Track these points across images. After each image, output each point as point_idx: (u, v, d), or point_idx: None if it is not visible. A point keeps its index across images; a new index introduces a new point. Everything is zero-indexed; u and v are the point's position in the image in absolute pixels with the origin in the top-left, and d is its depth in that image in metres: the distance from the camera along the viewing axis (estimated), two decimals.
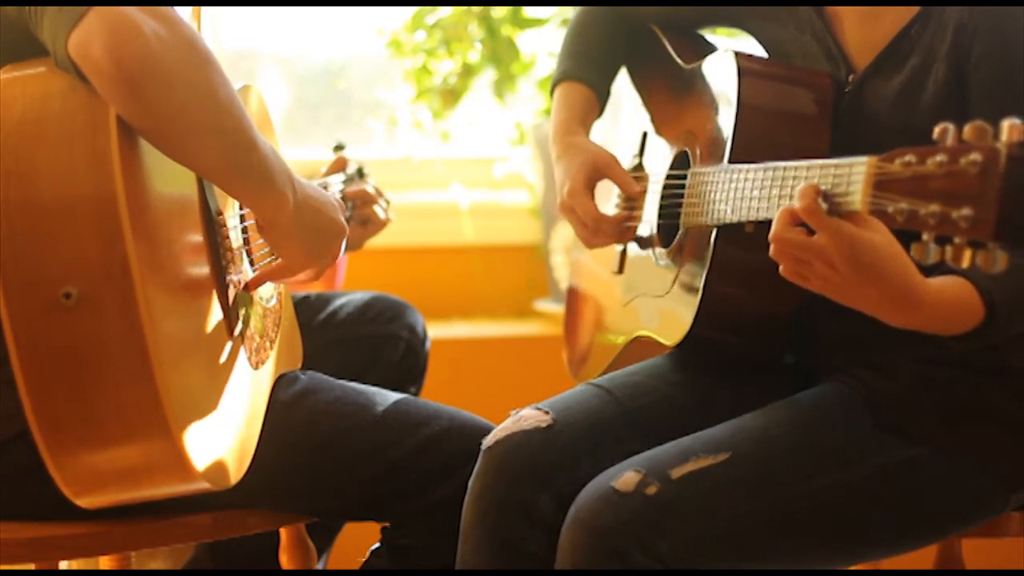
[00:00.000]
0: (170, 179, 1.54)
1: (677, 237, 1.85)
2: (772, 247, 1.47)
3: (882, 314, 1.49)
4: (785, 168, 1.55)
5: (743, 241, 1.69)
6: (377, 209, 2.17)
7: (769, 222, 1.59)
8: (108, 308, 1.42)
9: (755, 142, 1.72)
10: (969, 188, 1.28)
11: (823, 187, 1.44)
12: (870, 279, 1.45)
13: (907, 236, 1.36)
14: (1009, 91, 1.62)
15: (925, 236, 1.32)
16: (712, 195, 1.73)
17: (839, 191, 1.43)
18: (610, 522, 1.55)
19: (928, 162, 1.32)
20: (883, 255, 1.44)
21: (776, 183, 1.57)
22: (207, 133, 1.49)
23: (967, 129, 1.30)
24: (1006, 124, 1.28)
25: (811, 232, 1.45)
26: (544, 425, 1.69)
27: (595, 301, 2.19)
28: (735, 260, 1.71)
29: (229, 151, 1.52)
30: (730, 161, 1.72)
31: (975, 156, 1.28)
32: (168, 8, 1.46)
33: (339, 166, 2.22)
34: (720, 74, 1.82)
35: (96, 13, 1.42)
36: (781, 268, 1.49)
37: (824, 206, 1.44)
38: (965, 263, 1.29)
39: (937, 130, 1.32)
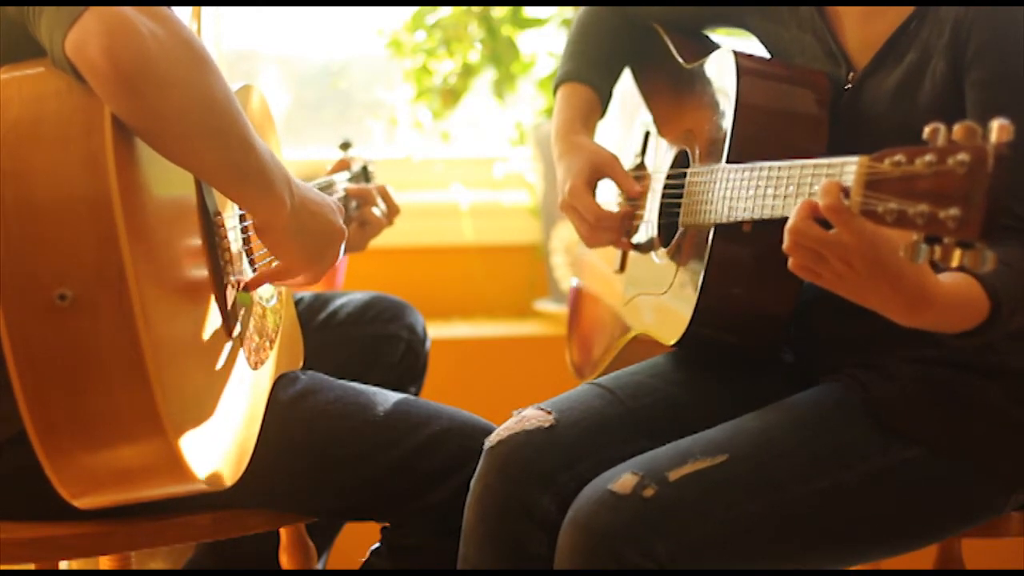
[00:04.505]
0: (167, 180, 1.54)
1: (676, 236, 1.85)
2: (787, 239, 1.45)
3: (892, 312, 1.48)
4: (780, 168, 1.55)
5: (740, 240, 1.69)
6: (375, 211, 2.17)
7: (765, 221, 1.59)
8: (103, 310, 1.42)
9: (753, 141, 1.72)
10: (956, 188, 1.28)
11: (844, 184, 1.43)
12: (888, 278, 1.43)
13: None
14: (1004, 88, 1.62)
15: (915, 236, 1.32)
16: (709, 195, 1.73)
17: None
18: (607, 524, 1.55)
19: (917, 162, 1.31)
20: (897, 256, 1.42)
21: (771, 183, 1.57)
22: (203, 134, 1.49)
23: (956, 129, 1.29)
24: (995, 124, 1.27)
25: (827, 227, 1.43)
26: (547, 425, 1.69)
27: (598, 300, 2.19)
28: (732, 259, 1.71)
29: (225, 152, 1.51)
30: (728, 160, 1.72)
31: (963, 156, 1.28)
32: (165, 8, 1.46)
33: (344, 165, 2.23)
34: (720, 74, 1.83)
35: (93, 13, 1.42)
36: (791, 262, 1.47)
37: (847, 203, 1.43)
38: (954, 263, 1.29)
39: (927, 130, 1.32)
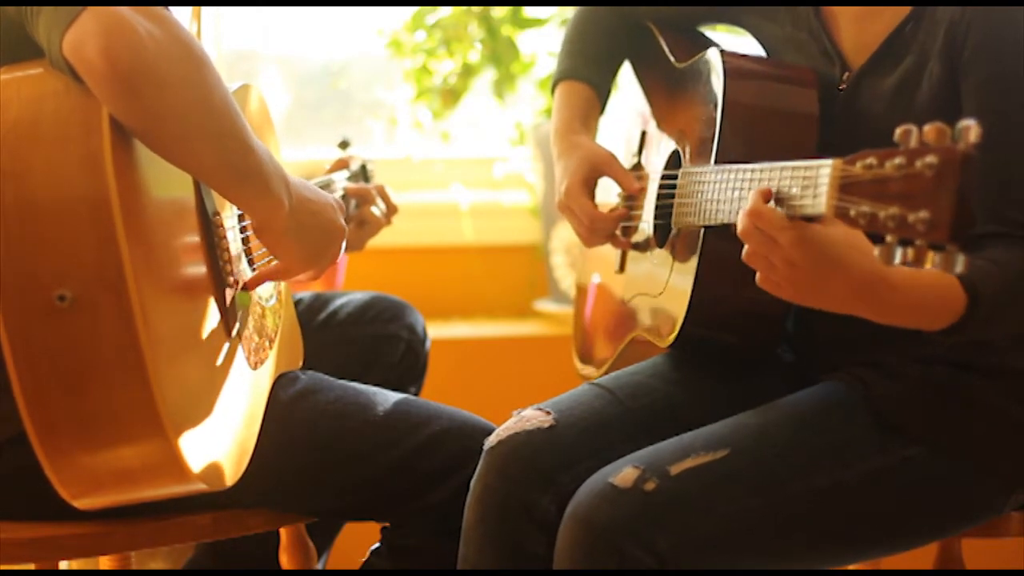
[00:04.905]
0: (166, 180, 1.54)
1: (670, 237, 1.85)
2: (745, 250, 1.48)
3: (856, 307, 1.49)
4: (760, 170, 1.55)
5: (731, 241, 1.69)
6: (374, 210, 2.17)
7: None
8: (102, 310, 1.42)
9: (741, 141, 1.72)
10: (925, 190, 1.27)
11: (781, 189, 1.45)
12: (835, 269, 1.45)
13: (875, 239, 1.35)
14: (1001, 90, 1.62)
15: (889, 238, 1.31)
16: (699, 195, 1.73)
17: (807, 193, 1.43)
18: (608, 518, 1.55)
19: (887, 165, 1.31)
20: (841, 245, 1.44)
21: (752, 185, 1.56)
22: (201, 134, 1.49)
23: (927, 130, 1.29)
24: (962, 125, 1.27)
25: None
26: (546, 425, 1.69)
27: (600, 299, 2.19)
28: (724, 259, 1.71)
29: (223, 153, 1.51)
30: (716, 161, 1.72)
31: (931, 159, 1.27)
32: (163, 9, 1.46)
33: (342, 164, 2.23)
34: (708, 73, 1.82)
35: (90, 13, 1.42)
36: (758, 277, 1.49)
37: (780, 209, 1.45)
38: (928, 265, 1.28)
39: (899, 131, 1.32)
